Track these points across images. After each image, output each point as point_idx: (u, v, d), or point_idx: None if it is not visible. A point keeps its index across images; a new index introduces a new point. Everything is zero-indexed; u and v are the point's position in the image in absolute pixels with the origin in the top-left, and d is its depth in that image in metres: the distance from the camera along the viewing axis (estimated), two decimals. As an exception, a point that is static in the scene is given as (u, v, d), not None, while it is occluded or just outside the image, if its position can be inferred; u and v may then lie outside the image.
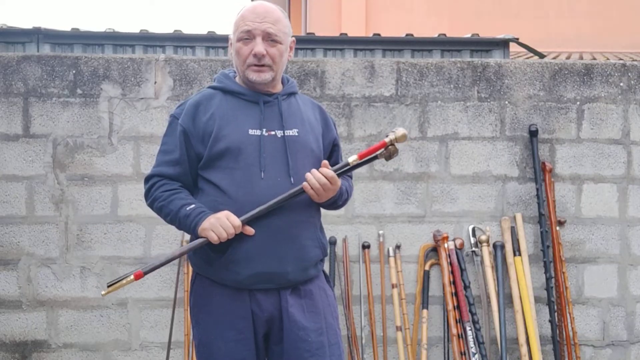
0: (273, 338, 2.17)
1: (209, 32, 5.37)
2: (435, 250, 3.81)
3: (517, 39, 5.26)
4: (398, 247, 3.80)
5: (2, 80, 3.72)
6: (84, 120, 3.74)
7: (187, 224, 2.09)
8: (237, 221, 2.02)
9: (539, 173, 3.80)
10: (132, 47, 4.91)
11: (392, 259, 3.78)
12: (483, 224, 3.84)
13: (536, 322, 3.74)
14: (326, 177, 2.07)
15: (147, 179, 2.22)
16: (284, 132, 2.15)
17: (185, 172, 2.16)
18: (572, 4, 9.10)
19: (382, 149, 2.15)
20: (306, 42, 4.91)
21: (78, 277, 3.72)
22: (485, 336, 3.72)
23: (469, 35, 5.27)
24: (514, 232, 3.81)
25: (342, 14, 9.20)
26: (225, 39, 4.95)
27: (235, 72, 2.27)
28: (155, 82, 3.76)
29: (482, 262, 3.78)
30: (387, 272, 3.78)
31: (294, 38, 2.26)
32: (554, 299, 3.76)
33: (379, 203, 3.81)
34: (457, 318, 3.70)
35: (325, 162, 2.12)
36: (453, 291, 3.73)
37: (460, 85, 3.85)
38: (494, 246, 3.80)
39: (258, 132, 2.13)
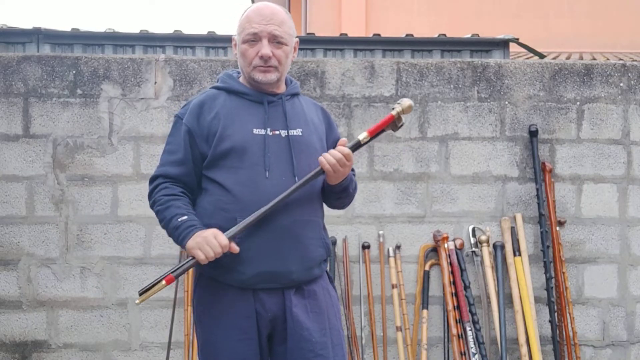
0: (276, 338, 2.17)
1: (209, 32, 5.37)
2: (435, 250, 3.81)
3: (517, 39, 5.26)
4: (398, 247, 3.80)
5: (2, 80, 3.72)
6: (84, 121, 3.74)
7: (176, 236, 2.10)
8: (224, 240, 2.02)
9: (539, 173, 3.80)
10: (132, 47, 4.91)
11: (392, 259, 3.78)
12: (483, 224, 3.84)
13: (536, 322, 3.74)
14: (342, 154, 2.08)
15: (152, 180, 2.22)
16: (288, 132, 2.15)
17: (189, 172, 2.16)
18: (572, 4, 9.11)
19: (390, 124, 2.17)
20: (306, 42, 4.91)
21: (78, 277, 3.72)
22: (485, 336, 3.72)
23: (469, 35, 5.27)
24: (514, 232, 3.81)
25: (342, 14, 9.20)
26: (225, 39, 5.01)
27: (239, 73, 2.27)
28: (155, 82, 3.76)
29: (482, 262, 3.78)
30: (387, 272, 3.79)
31: (297, 39, 2.27)
32: (554, 299, 3.76)
33: (379, 203, 3.81)
34: (457, 318, 3.70)
35: (344, 139, 2.14)
36: (453, 291, 3.73)
37: (460, 86, 3.85)
38: (494, 246, 3.80)
39: (262, 132, 2.13)
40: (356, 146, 2.14)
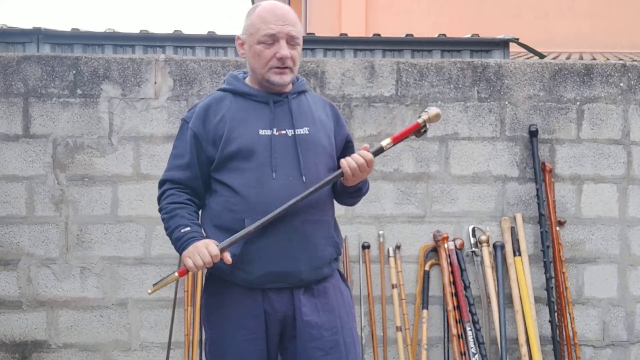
0: (287, 336, 2.17)
1: (209, 32, 5.37)
2: (435, 250, 3.81)
3: (517, 39, 5.26)
4: (398, 247, 3.80)
5: (2, 80, 3.72)
6: (84, 121, 3.74)
7: (177, 246, 2.11)
8: (215, 250, 2.02)
9: (539, 173, 3.80)
10: (132, 47, 4.91)
11: (392, 259, 3.78)
12: (483, 224, 3.84)
13: (536, 322, 3.74)
14: (365, 159, 2.09)
15: (160, 184, 2.24)
16: (294, 131, 2.15)
17: (196, 176, 2.18)
18: (572, 4, 9.10)
19: (417, 131, 2.18)
20: (306, 42, 4.87)
21: (78, 277, 3.72)
22: (485, 336, 3.72)
23: (469, 36, 5.27)
24: (514, 232, 3.81)
25: (342, 14, 9.19)
26: (225, 39, 5.01)
27: (245, 73, 2.27)
28: (155, 82, 3.76)
29: (482, 262, 3.78)
30: (387, 273, 3.79)
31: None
32: (554, 299, 3.76)
33: (379, 203, 3.81)
34: (457, 318, 3.70)
35: (367, 145, 2.15)
36: (453, 291, 3.73)
37: (460, 86, 3.85)
38: (494, 246, 3.80)
39: (268, 132, 2.13)
40: (379, 152, 2.15)
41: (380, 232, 3.80)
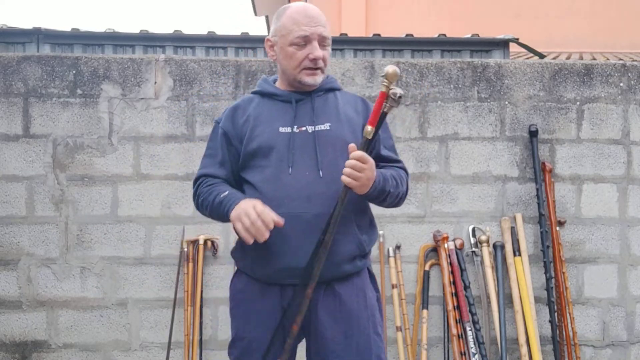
0: (304, 331, 2.18)
1: (209, 32, 5.37)
2: (435, 250, 3.81)
3: (517, 39, 5.26)
4: (398, 247, 3.80)
5: (2, 80, 3.72)
6: (84, 121, 3.74)
7: (221, 210, 2.12)
8: (260, 206, 2.00)
9: (539, 173, 3.80)
10: (132, 47, 4.91)
11: (392, 259, 3.78)
12: (483, 224, 3.84)
13: (536, 322, 3.74)
14: (354, 159, 2.01)
15: (194, 182, 2.28)
16: (314, 127, 2.16)
17: (229, 173, 2.23)
18: (572, 4, 9.10)
19: (385, 102, 2.03)
20: (306, 42, 4.90)
21: (78, 277, 3.72)
22: (485, 336, 3.72)
23: (469, 36, 5.26)
24: (514, 232, 3.81)
25: (342, 14, 9.19)
26: (225, 39, 5.01)
27: (277, 78, 2.31)
28: (155, 82, 3.76)
29: (482, 262, 3.78)
30: (387, 273, 3.78)
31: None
32: (554, 299, 3.76)
33: (379, 203, 3.81)
34: (457, 318, 3.70)
35: (352, 144, 2.06)
36: (453, 291, 3.73)
37: (460, 86, 3.85)
38: (494, 246, 3.80)
39: (289, 130, 2.16)
40: (365, 144, 2.05)
41: (380, 232, 3.80)
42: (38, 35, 4.73)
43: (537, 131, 3.82)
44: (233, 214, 2.05)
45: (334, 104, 2.23)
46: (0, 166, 3.71)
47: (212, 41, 5.00)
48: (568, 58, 6.92)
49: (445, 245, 3.76)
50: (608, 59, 6.31)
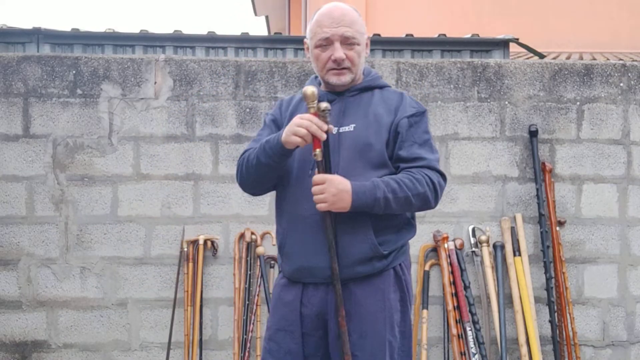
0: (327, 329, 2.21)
1: (209, 32, 5.37)
2: (435, 250, 3.80)
3: (517, 39, 5.26)
4: (398, 247, 3.80)
5: (2, 80, 3.72)
6: (84, 121, 3.74)
7: (270, 147, 2.10)
8: (306, 115, 2.03)
9: (539, 173, 3.80)
10: (132, 47, 4.91)
11: (392, 259, 3.77)
12: (483, 224, 3.84)
13: (536, 323, 3.74)
14: (313, 184, 2.06)
15: (237, 164, 2.28)
16: (339, 129, 2.18)
17: None
18: (572, 4, 9.09)
19: (317, 119, 2.04)
20: (306, 42, 4.90)
21: (78, 277, 3.72)
22: (485, 336, 3.72)
23: (469, 35, 5.27)
24: (514, 232, 3.81)
25: (342, 14, 9.16)
26: (225, 39, 5.01)
27: None
28: (155, 82, 3.76)
29: (482, 262, 3.78)
30: (387, 272, 3.78)
31: (368, 36, 2.29)
32: (554, 299, 3.76)
33: (379, 203, 3.81)
34: (457, 318, 3.70)
35: (315, 177, 2.08)
36: (453, 291, 3.73)
37: (460, 86, 3.85)
38: (494, 246, 3.80)
39: None
40: (317, 167, 2.07)
41: (380, 232, 3.79)
42: (38, 35, 4.74)
43: (537, 131, 3.82)
44: (285, 134, 2.05)
45: (367, 104, 2.22)
46: (0, 166, 3.71)
47: (212, 41, 5.00)
48: (568, 58, 6.92)
49: (445, 245, 3.76)
50: (608, 59, 6.31)
